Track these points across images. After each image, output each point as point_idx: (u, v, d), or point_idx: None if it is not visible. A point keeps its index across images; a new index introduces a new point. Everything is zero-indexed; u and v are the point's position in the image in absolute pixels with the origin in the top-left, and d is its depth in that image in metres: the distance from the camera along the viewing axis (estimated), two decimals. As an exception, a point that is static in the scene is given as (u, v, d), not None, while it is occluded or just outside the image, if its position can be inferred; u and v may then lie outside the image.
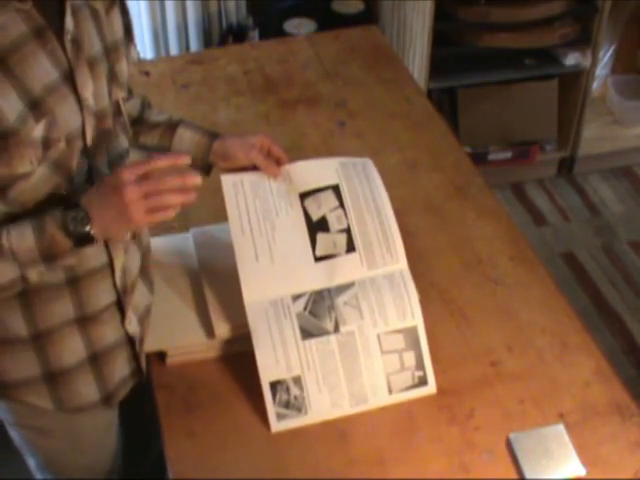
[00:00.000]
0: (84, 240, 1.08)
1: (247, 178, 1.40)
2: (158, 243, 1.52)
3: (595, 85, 3.15)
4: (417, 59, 2.80)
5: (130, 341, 1.32)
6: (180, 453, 1.26)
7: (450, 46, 2.81)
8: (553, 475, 1.21)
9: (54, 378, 1.26)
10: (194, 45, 3.02)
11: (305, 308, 1.33)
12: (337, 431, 1.29)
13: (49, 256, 1.08)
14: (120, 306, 1.27)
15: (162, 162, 1.09)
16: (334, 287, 1.35)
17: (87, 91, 1.11)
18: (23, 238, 1.06)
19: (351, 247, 1.37)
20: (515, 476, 1.23)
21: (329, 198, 1.40)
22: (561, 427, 1.27)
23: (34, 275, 1.10)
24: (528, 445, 1.25)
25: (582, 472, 1.22)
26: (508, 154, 3.05)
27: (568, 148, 3.11)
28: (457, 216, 1.68)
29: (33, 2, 1.03)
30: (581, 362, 1.39)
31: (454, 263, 1.58)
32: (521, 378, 1.37)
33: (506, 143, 3.05)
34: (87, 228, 1.07)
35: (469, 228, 1.65)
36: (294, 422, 1.29)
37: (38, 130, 1.04)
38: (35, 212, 1.09)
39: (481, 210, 1.69)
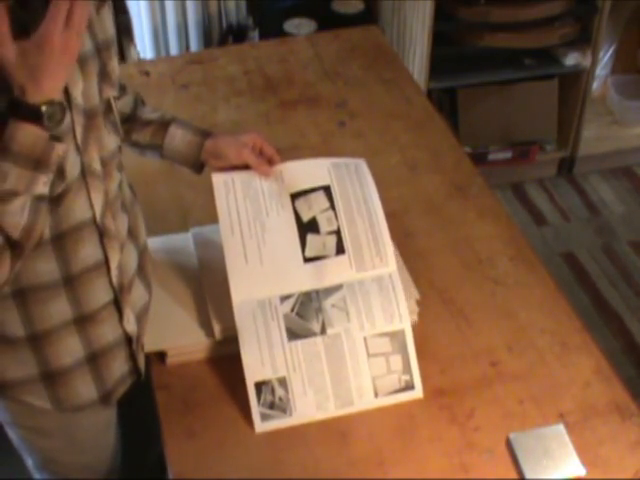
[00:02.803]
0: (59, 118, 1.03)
1: (238, 177, 1.39)
2: (158, 243, 1.52)
3: (595, 85, 3.15)
4: (417, 59, 2.80)
5: (128, 340, 1.32)
6: (180, 453, 1.26)
7: (450, 46, 2.81)
8: (553, 475, 1.21)
9: (52, 378, 1.25)
10: (194, 45, 3.02)
11: (292, 309, 1.33)
12: (337, 431, 1.29)
13: (39, 163, 1.03)
14: (117, 305, 1.27)
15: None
16: (322, 289, 1.35)
17: (76, 90, 1.10)
18: (7, 175, 1.01)
19: (341, 249, 1.37)
20: (515, 476, 1.23)
21: (320, 199, 1.39)
22: (561, 427, 1.27)
23: (43, 188, 1.05)
24: (528, 445, 1.25)
25: (582, 472, 1.22)
26: (508, 154, 3.05)
27: (568, 148, 3.11)
28: (457, 216, 1.68)
29: (18, 1, 1.02)
30: (581, 362, 1.39)
31: (454, 263, 1.57)
32: (521, 378, 1.37)
33: (506, 143, 3.05)
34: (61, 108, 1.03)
35: (469, 228, 1.65)
36: (278, 423, 1.28)
37: None
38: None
39: (481, 210, 1.69)
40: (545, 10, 2.73)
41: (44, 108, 1.01)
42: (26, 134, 1.01)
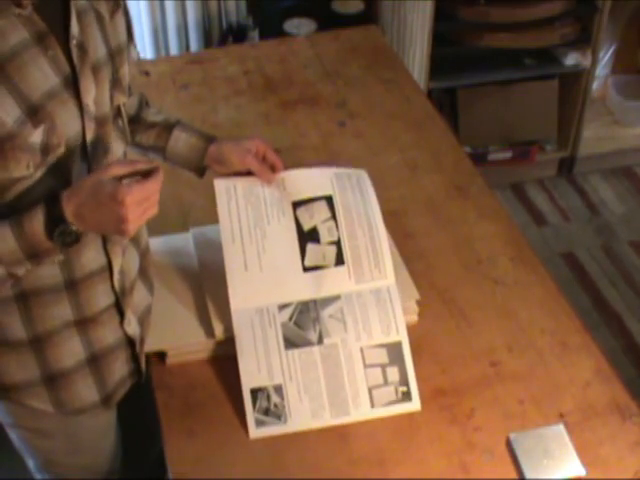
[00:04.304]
0: (71, 244, 1.08)
1: (240, 183, 1.39)
2: (158, 243, 1.52)
3: (595, 85, 3.14)
4: (417, 59, 2.80)
5: (130, 342, 1.32)
6: (180, 453, 1.26)
7: (450, 46, 2.81)
8: (553, 475, 1.21)
9: (54, 380, 1.26)
10: (194, 45, 3.02)
11: (290, 318, 1.33)
12: (337, 431, 1.29)
13: (33, 255, 1.08)
14: (119, 307, 1.27)
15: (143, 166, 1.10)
16: (320, 299, 1.35)
17: (89, 97, 1.10)
18: (4, 240, 1.06)
19: (340, 260, 1.37)
20: (515, 476, 1.23)
21: (322, 209, 1.39)
22: (561, 427, 1.27)
23: (21, 271, 1.10)
24: (528, 445, 1.25)
25: (582, 472, 1.22)
26: (508, 154, 3.05)
27: (568, 148, 3.11)
28: (457, 216, 1.68)
29: (34, 7, 1.02)
30: (581, 362, 1.39)
31: (454, 263, 1.57)
32: (521, 378, 1.37)
33: (506, 143, 3.05)
34: (77, 238, 1.07)
35: (469, 228, 1.65)
36: (273, 430, 1.28)
37: (37, 136, 1.04)
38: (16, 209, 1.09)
39: (481, 210, 1.69)
40: (545, 10, 2.73)
41: (63, 228, 1.06)
42: (41, 227, 1.05)
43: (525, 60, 2.92)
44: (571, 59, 2.89)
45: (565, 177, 3.20)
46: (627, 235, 2.94)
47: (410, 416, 1.31)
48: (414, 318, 1.43)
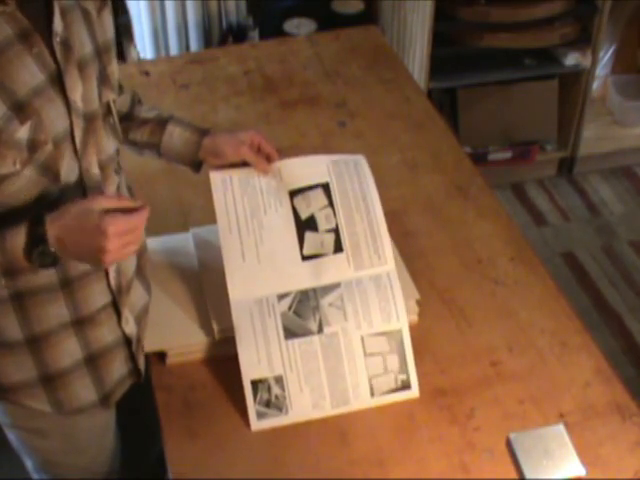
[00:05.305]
0: (49, 266, 1.09)
1: (236, 175, 1.39)
2: (157, 243, 1.52)
3: (595, 85, 3.14)
4: (417, 59, 2.80)
5: (127, 341, 1.32)
6: (180, 453, 1.26)
7: (450, 46, 2.81)
8: (553, 475, 1.21)
9: (51, 380, 1.25)
10: (194, 45, 3.02)
11: (290, 308, 1.33)
12: (337, 431, 1.29)
13: (10, 271, 1.09)
14: (116, 307, 1.27)
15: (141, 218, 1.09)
16: (320, 287, 1.35)
17: (76, 93, 1.10)
18: None
19: (339, 247, 1.37)
20: (515, 476, 1.23)
21: (319, 197, 1.39)
22: (561, 427, 1.27)
23: None
24: (528, 445, 1.25)
25: (582, 472, 1.22)
26: (508, 154, 3.05)
27: (568, 148, 3.11)
28: (457, 216, 1.68)
29: (17, 4, 1.02)
30: (581, 362, 1.39)
31: (454, 263, 1.57)
32: (521, 378, 1.37)
33: (506, 143, 3.05)
34: (54, 261, 1.07)
35: (469, 228, 1.65)
36: (274, 421, 1.29)
37: (23, 132, 1.03)
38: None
39: (481, 210, 1.69)
40: (545, 10, 2.73)
41: (43, 249, 1.05)
42: (22, 245, 1.05)
43: (525, 60, 2.92)
44: (571, 59, 2.89)
45: (565, 177, 3.20)
46: (627, 235, 2.94)
47: (410, 416, 1.31)
48: (414, 318, 1.43)
